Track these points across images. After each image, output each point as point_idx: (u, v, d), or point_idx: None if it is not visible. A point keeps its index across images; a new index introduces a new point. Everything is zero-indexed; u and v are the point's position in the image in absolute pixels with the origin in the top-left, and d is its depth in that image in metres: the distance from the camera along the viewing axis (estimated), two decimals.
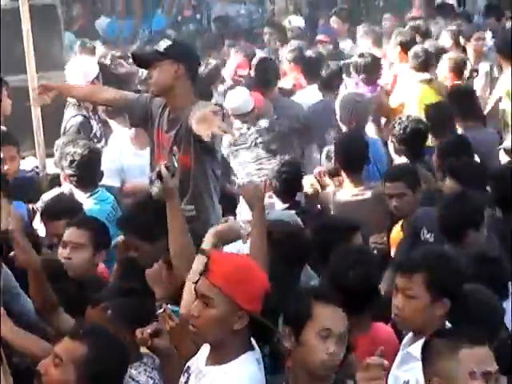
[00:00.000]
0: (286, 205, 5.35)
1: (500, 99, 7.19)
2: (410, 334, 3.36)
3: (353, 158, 5.36)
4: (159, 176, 3.81)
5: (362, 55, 7.42)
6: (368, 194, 5.30)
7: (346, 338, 2.94)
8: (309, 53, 8.21)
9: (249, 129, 6.41)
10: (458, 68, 7.56)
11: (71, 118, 6.58)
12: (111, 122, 6.63)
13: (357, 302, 3.52)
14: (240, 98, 6.63)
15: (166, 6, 12.81)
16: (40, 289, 3.74)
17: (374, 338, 3.66)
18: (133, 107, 4.72)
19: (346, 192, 5.40)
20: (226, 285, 2.97)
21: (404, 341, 3.40)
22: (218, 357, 3.03)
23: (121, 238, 4.25)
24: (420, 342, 3.12)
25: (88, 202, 5.23)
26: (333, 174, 5.62)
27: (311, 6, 12.70)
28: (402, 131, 5.61)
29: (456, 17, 9.95)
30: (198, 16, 12.68)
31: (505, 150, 5.88)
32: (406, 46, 7.64)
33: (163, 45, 4.57)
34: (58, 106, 6.68)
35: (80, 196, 5.25)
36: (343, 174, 5.39)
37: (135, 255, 4.13)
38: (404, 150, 5.62)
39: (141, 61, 4.83)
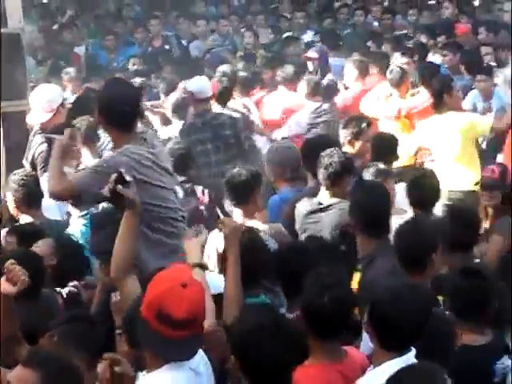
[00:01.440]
0: None
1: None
2: None
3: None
4: (117, 182, 3.93)
5: None
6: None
7: None
8: None
9: None
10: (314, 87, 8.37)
11: (39, 145, 6.62)
12: (83, 150, 6.70)
13: (331, 327, 3.56)
14: (202, 83, 7.52)
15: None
16: (7, 319, 3.74)
17: (349, 365, 3.70)
18: None
19: None
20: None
21: None
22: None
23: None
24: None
25: (77, 223, 5.37)
26: None
27: None
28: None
29: None
30: (167, 47, 12.75)
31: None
32: None
33: None
34: (21, 137, 6.88)
35: (74, 214, 5.45)
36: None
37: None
38: None
39: None
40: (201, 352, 3.38)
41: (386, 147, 6.39)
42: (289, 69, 9.00)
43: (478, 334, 3.89)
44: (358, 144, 6.20)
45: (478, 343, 3.87)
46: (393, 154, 6.42)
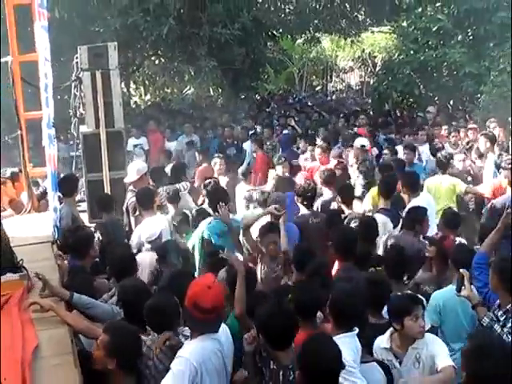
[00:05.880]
0: None
1: None
2: None
3: None
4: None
5: None
6: None
7: None
8: None
9: None
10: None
11: (130, 198, 8.50)
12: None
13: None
14: None
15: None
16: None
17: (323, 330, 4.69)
18: None
19: None
20: None
21: None
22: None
23: None
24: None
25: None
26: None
27: None
28: None
29: None
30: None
31: None
32: None
33: None
34: (122, 192, 8.82)
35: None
36: None
37: None
38: None
39: None
40: (224, 329, 4.25)
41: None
42: None
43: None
44: None
45: None
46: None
